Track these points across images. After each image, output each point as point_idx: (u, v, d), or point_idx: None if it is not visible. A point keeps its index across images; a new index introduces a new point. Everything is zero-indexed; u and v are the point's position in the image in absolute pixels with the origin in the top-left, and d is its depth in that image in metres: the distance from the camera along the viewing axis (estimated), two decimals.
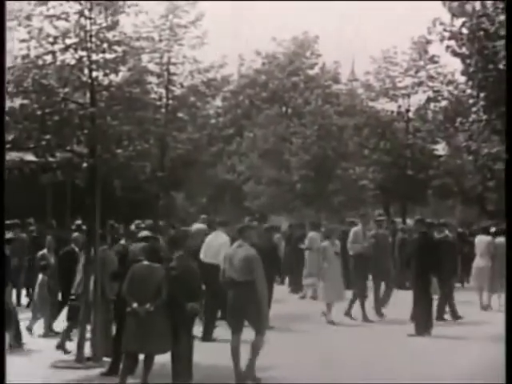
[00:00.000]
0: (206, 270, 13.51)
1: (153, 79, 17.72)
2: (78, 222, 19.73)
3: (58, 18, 11.50)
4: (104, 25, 11.72)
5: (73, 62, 11.73)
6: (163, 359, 10.51)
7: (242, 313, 10.94)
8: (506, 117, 8.71)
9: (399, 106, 33.38)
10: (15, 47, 11.74)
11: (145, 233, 13.04)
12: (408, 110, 33.38)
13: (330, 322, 16.49)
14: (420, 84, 32.67)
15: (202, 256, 15.23)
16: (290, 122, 39.58)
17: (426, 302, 14.76)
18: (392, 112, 33.58)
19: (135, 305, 10.24)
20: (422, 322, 14.68)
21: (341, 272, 17.08)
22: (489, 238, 18.39)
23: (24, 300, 18.69)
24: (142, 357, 10.45)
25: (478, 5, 14.26)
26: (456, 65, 15.11)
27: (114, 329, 11.81)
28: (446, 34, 14.38)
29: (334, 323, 16.39)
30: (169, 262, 10.76)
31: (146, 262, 10.62)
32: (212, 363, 11.64)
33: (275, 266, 17.60)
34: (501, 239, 16.90)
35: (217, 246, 14.94)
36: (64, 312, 14.10)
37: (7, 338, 12.38)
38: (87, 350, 12.35)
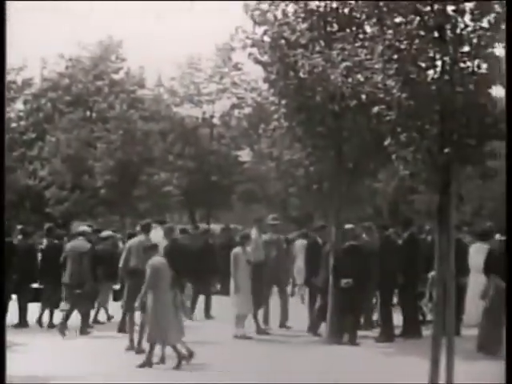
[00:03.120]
0: None
1: None
2: None
3: None
4: None
5: None
6: None
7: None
8: (506, 117, 8.83)
9: (204, 112, 33.67)
10: None
11: None
12: (212, 116, 33.73)
13: (242, 336, 14.93)
14: (224, 90, 33.11)
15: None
16: (94, 127, 38.87)
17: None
18: (197, 118, 33.79)
19: None
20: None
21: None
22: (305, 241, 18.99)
23: None
24: None
25: (279, 14, 14.47)
26: (259, 72, 15.27)
27: None
28: (249, 42, 14.49)
29: (246, 337, 14.94)
30: None
31: None
32: None
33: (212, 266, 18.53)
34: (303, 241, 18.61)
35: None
36: None
37: None
38: None
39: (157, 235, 16.72)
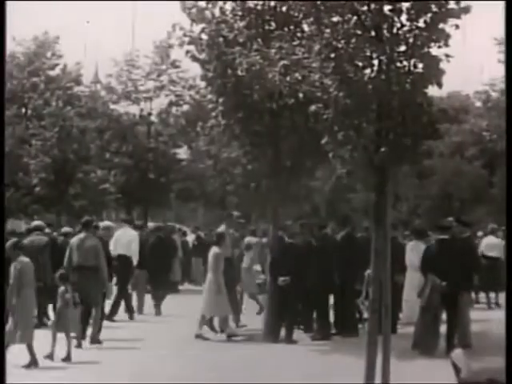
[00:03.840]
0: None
1: None
2: None
3: None
4: None
5: None
6: None
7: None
8: (506, 117, 8.79)
9: (141, 110, 33.40)
10: None
11: None
12: (150, 114, 33.49)
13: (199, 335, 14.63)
14: (162, 88, 32.91)
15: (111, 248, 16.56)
16: (29, 124, 38.27)
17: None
18: (134, 115, 33.52)
19: None
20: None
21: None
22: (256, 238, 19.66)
23: None
24: None
25: (217, 12, 14.41)
26: (197, 70, 15.20)
27: None
28: (186, 39, 14.40)
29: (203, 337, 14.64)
30: None
31: None
32: None
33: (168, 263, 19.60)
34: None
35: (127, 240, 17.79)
36: None
37: None
38: None
39: (126, 234, 18.07)
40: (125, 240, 17.86)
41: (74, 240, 14.31)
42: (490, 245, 20.36)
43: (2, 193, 10.14)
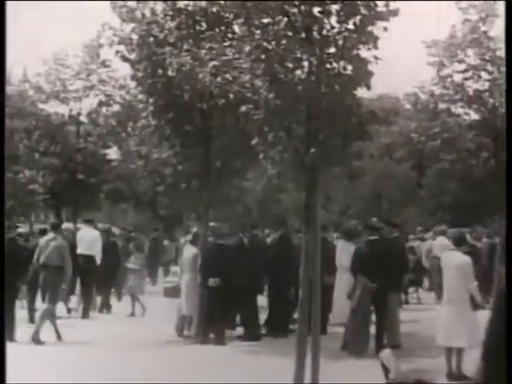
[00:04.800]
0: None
1: None
2: None
3: None
4: None
5: None
6: None
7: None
8: (506, 117, 8.73)
9: (70, 110, 32.96)
10: None
11: None
12: (79, 114, 33.06)
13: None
14: (92, 88, 32.51)
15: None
16: None
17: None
18: (63, 115, 33.06)
19: None
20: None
21: None
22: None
23: None
24: None
25: (147, 12, 14.29)
26: (127, 69, 15.04)
27: None
28: (116, 39, 14.24)
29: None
30: None
31: None
32: None
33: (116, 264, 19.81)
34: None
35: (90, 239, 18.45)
36: None
37: None
38: None
39: (89, 234, 18.81)
40: (87, 240, 18.59)
41: (43, 240, 15.13)
42: (443, 245, 20.65)
43: (2, 193, 10.10)
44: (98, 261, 18.50)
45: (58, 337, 14.46)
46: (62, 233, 15.67)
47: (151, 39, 13.99)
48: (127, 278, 18.79)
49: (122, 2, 14.21)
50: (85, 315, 17.97)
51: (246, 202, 45.71)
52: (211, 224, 15.44)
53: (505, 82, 8.27)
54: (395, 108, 50.15)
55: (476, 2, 19.49)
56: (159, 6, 14.40)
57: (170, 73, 13.26)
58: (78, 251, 18.18)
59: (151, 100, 14.28)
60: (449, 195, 44.76)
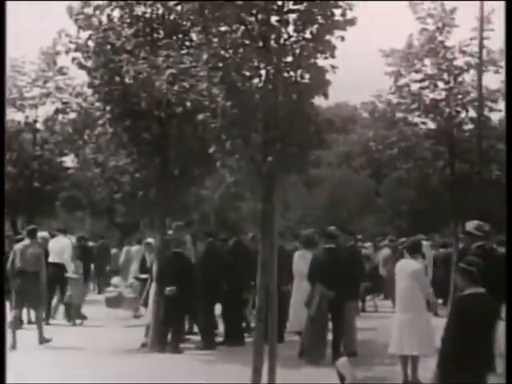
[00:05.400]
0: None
1: None
2: None
3: None
4: None
5: None
6: None
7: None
8: (505, 118, 8.67)
9: (27, 117, 32.55)
10: None
11: None
12: (36, 121, 32.67)
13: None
14: (48, 95, 32.11)
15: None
16: None
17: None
18: (19, 122, 32.67)
19: None
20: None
21: None
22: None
23: None
24: None
25: (104, 19, 14.23)
26: (84, 77, 14.91)
27: None
28: (72, 46, 14.14)
29: None
30: None
31: None
32: None
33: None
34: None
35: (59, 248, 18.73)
36: None
37: None
38: None
39: (59, 242, 19.07)
40: (57, 248, 18.82)
41: (18, 246, 15.21)
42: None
43: (2, 193, 10.07)
44: (69, 269, 18.68)
45: (42, 341, 14.77)
46: (38, 239, 15.84)
47: (108, 46, 13.90)
48: (66, 287, 18.67)
49: (79, 8, 14.09)
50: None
51: (203, 210, 45.66)
52: (169, 232, 15.43)
53: (505, 81, 8.28)
54: (353, 117, 50.54)
55: (433, 12, 19.68)
56: (116, 13, 14.33)
57: (127, 80, 13.19)
58: (50, 259, 18.16)
59: (108, 107, 14.20)
60: (406, 203, 45.19)
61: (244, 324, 15.63)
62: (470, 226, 10.36)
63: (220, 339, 15.12)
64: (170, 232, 15.46)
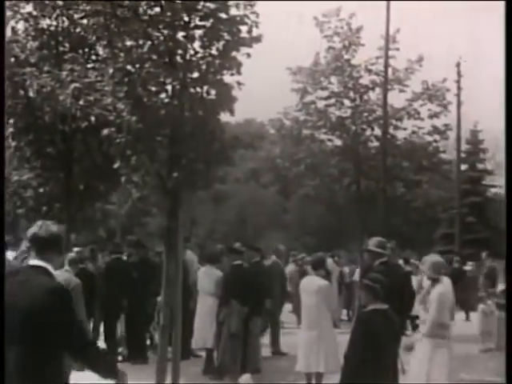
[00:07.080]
0: None
1: None
2: None
3: None
4: None
5: None
6: None
7: None
8: (505, 119, 8.51)
9: None
10: None
11: None
12: None
13: None
14: None
15: None
16: None
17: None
18: None
19: None
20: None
21: None
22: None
23: None
24: None
25: (8, 31, 13.93)
26: None
27: None
28: None
29: None
30: None
31: None
32: None
33: None
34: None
35: None
36: None
37: None
38: None
39: None
40: None
41: None
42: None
43: (2, 194, 9.57)
44: None
45: None
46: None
47: (12, 59, 13.64)
48: None
49: None
50: None
51: (109, 226, 45.15)
52: (75, 249, 15.17)
53: (504, 81, 8.37)
54: (260, 133, 50.80)
55: (340, 30, 19.99)
56: (21, 26, 14.08)
57: (30, 94, 12.97)
58: None
59: (11, 121, 13.91)
60: (313, 220, 45.68)
61: (148, 341, 15.43)
62: (371, 243, 10.45)
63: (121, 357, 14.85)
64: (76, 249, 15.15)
